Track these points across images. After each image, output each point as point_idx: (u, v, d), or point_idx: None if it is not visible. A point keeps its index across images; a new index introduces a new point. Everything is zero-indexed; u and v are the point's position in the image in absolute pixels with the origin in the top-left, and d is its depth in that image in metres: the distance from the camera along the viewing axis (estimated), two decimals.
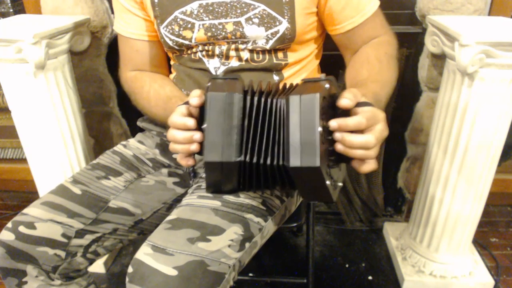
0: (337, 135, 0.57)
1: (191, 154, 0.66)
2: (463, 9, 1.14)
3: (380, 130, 0.58)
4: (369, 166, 0.59)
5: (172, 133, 0.65)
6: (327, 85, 0.58)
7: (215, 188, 0.71)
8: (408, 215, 1.41)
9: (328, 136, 0.58)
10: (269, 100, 0.62)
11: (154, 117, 0.87)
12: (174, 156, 0.92)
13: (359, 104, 0.58)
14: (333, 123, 0.56)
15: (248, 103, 0.62)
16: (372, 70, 0.76)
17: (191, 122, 0.63)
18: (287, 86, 0.67)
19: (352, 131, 0.57)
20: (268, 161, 0.62)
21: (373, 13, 0.80)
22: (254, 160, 0.62)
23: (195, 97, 0.63)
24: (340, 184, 0.62)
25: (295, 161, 0.57)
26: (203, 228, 0.66)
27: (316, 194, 0.65)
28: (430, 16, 1.13)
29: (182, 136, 0.64)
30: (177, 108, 0.66)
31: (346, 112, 0.59)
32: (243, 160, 0.62)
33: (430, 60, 1.22)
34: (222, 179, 0.67)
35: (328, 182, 0.58)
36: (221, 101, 0.61)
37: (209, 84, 0.63)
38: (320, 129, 0.55)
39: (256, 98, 0.62)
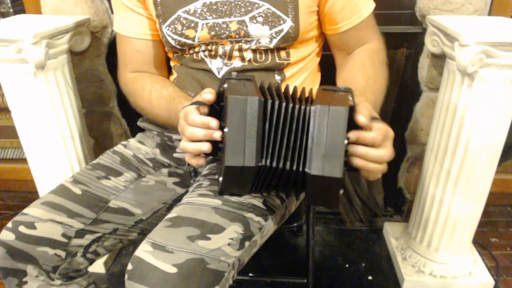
0: (358, 150, 0.60)
1: (200, 154, 0.66)
2: (463, 9, 1.14)
3: (391, 147, 0.63)
4: (376, 176, 0.64)
5: (192, 130, 0.64)
6: (350, 98, 0.62)
7: (228, 191, 0.71)
8: (408, 215, 1.41)
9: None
10: (290, 106, 0.62)
11: (155, 118, 0.86)
12: (175, 155, 0.92)
13: (372, 119, 0.61)
14: (353, 136, 0.60)
15: (269, 107, 0.62)
16: (369, 79, 0.79)
17: (214, 123, 0.63)
18: (303, 90, 0.67)
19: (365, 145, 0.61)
20: (287, 167, 0.63)
21: (368, 16, 0.83)
22: (274, 164, 0.63)
23: (209, 93, 0.64)
24: (342, 191, 0.64)
25: (317, 169, 0.59)
26: (203, 227, 0.66)
27: (324, 200, 0.68)
28: (430, 16, 1.13)
29: (203, 134, 0.63)
30: (186, 108, 0.66)
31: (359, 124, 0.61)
32: (263, 164, 0.63)
33: (430, 60, 1.22)
34: (238, 182, 0.67)
35: (341, 192, 0.61)
36: (242, 105, 0.60)
37: (225, 85, 0.63)
38: (346, 141, 0.58)
39: (277, 103, 0.62)
